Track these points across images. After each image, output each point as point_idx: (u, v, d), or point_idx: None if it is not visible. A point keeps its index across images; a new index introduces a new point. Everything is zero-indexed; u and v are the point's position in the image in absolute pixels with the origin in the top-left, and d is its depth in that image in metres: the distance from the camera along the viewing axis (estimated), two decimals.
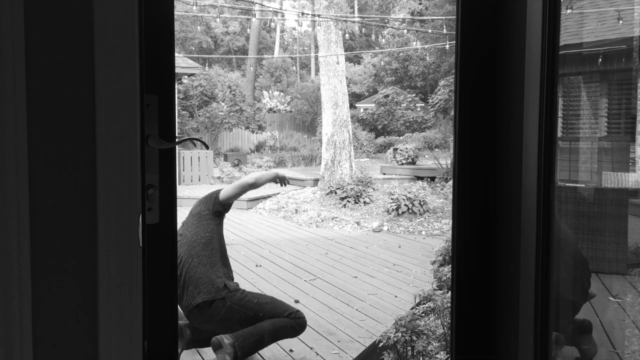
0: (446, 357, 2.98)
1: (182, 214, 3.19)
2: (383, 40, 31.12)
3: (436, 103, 17.71)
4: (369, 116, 19.68)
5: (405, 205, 8.55)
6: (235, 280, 3.19)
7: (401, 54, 23.01)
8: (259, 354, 3.32)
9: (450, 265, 3.87)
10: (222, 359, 2.90)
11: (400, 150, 12.94)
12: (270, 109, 21.87)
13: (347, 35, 22.43)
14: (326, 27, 11.11)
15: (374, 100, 20.50)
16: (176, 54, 7.53)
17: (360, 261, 6.17)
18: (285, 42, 37.57)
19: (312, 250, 6.77)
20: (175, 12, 2.16)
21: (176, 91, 10.38)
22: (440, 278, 4.32)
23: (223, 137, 17.89)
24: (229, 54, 31.82)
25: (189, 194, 9.64)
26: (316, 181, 11.52)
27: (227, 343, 2.91)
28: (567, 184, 1.96)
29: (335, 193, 9.89)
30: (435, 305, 3.50)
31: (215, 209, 3.12)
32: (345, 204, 9.48)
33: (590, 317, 1.77)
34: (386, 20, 24.15)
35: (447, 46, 17.87)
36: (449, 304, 3.04)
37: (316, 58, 25.43)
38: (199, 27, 29.23)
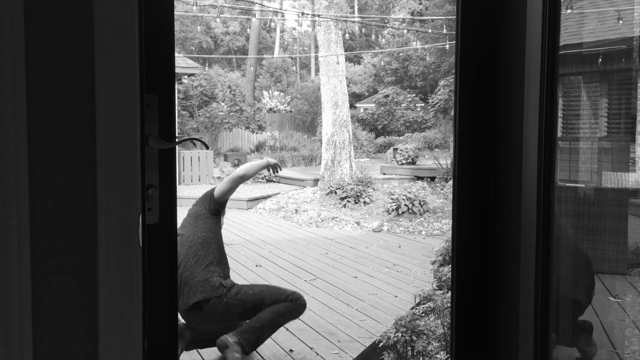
0: (446, 357, 2.98)
1: (182, 214, 3.19)
2: (383, 40, 31.13)
3: (436, 103, 17.71)
4: (369, 116, 19.68)
5: (405, 205, 8.55)
6: (234, 280, 3.19)
7: (401, 54, 23.02)
8: (259, 354, 3.32)
9: (450, 265, 3.87)
10: (233, 357, 2.90)
11: (400, 150, 12.94)
12: (270, 109, 21.88)
13: (347, 35, 22.42)
14: (326, 27, 11.11)
15: (374, 100, 20.50)
16: (176, 54, 7.53)
17: (360, 261, 6.17)
18: (285, 42, 37.57)
19: (312, 250, 6.77)
20: (175, 12, 2.16)
21: (176, 91, 10.39)
22: (440, 278, 4.32)
23: (223, 137, 17.90)
24: (229, 54, 31.82)
25: (189, 194, 9.64)
26: (316, 181, 11.52)
27: (233, 341, 2.91)
28: (567, 184, 1.96)
29: (335, 193, 9.89)
30: (435, 305, 3.50)
31: (212, 207, 3.11)
32: (345, 204, 9.48)
33: (590, 317, 1.77)
34: (386, 20, 24.15)
35: (447, 46, 17.88)
36: (449, 304, 3.04)
37: (316, 58, 25.43)
38: (199, 27, 29.24)
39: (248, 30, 30.40)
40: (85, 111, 1.03)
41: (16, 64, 0.97)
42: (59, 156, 1.02)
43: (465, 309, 1.84)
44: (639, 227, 1.68)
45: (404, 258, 6.38)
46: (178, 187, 6.53)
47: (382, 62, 23.58)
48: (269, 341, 3.29)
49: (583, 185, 2.05)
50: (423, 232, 7.94)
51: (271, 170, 3.28)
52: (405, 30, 23.13)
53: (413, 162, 12.74)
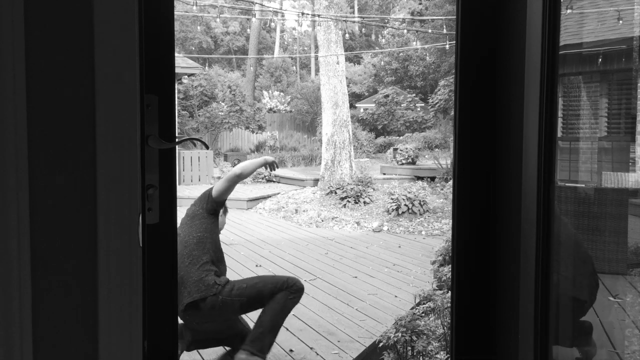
0: (446, 357, 2.98)
1: (182, 213, 3.19)
2: (383, 40, 31.13)
3: (436, 103, 17.71)
4: (369, 116, 19.68)
5: (405, 205, 8.55)
6: (232, 279, 3.18)
7: (401, 54, 23.02)
8: None
9: (450, 265, 3.87)
10: None
11: (400, 150, 12.94)
12: (270, 109, 21.88)
13: (347, 35, 22.43)
14: (326, 27, 11.11)
15: (374, 100, 20.50)
16: (176, 54, 7.52)
17: (360, 261, 6.17)
18: (285, 42, 37.58)
19: (312, 250, 6.77)
20: (175, 12, 2.16)
21: (176, 91, 10.39)
22: (440, 278, 4.32)
23: (223, 137, 17.90)
24: (229, 54, 31.82)
25: (189, 194, 9.64)
26: (316, 181, 11.52)
27: (246, 357, 2.92)
28: (567, 184, 1.96)
29: (335, 193, 9.89)
30: (435, 305, 3.50)
31: (209, 207, 3.09)
32: (345, 204, 9.48)
33: (590, 317, 1.77)
34: (386, 20, 24.15)
35: (447, 46, 17.88)
36: (449, 304, 3.04)
37: (316, 58, 25.43)
38: (199, 27, 29.24)
39: (248, 30, 30.40)
40: (85, 111, 1.03)
41: (16, 64, 0.97)
42: (59, 156, 1.02)
43: (465, 309, 1.84)
44: (639, 227, 1.68)
45: (404, 258, 6.38)
46: (178, 187, 6.52)
47: (382, 62, 23.58)
48: None
49: (583, 185, 2.05)
50: (423, 232, 7.94)
51: (269, 168, 3.24)
52: (405, 30, 23.14)
53: (413, 162, 12.74)
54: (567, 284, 1.73)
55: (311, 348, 3.54)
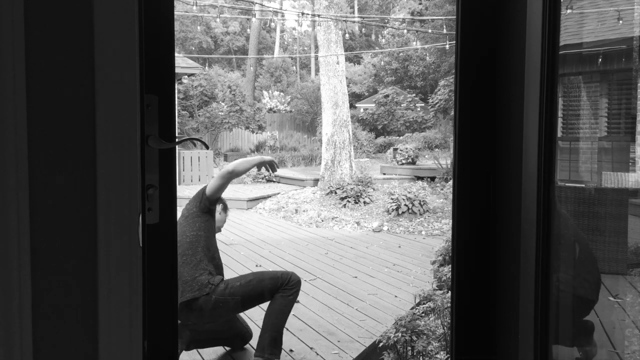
0: (446, 357, 2.98)
1: (180, 214, 3.19)
2: (383, 40, 31.13)
3: (436, 103, 17.71)
4: (369, 116, 19.68)
5: (405, 205, 8.55)
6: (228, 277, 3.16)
7: (401, 54, 23.02)
8: None
9: (450, 265, 3.87)
10: None
11: (400, 150, 12.94)
12: (270, 109, 21.88)
13: (347, 35, 22.43)
14: (326, 27, 11.11)
15: (374, 100, 20.50)
16: (176, 54, 7.52)
17: (360, 261, 6.17)
18: (285, 42, 37.58)
19: (312, 250, 6.77)
20: (175, 12, 2.16)
21: (176, 91, 10.39)
22: (440, 278, 4.32)
23: (223, 137, 17.90)
24: (229, 54, 31.82)
25: (189, 194, 9.60)
26: (316, 181, 11.52)
27: None
28: (567, 184, 1.96)
29: (335, 193, 9.89)
30: (435, 305, 3.50)
31: (203, 205, 3.04)
32: (345, 204, 9.48)
33: (591, 317, 1.77)
34: (386, 20, 24.15)
35: (447, 46, 17.88)
36: (449, 304, 3.04)
37: (316, 58, 25.43)
38: (199, 27, 29.24)
39: (248, 30, 30.40)
40: (85, 111, 1.03)
41: (16, 64, 0.97)
42: (59, 156, 1.02)
43: (465, 309, 1.84)
44: (639, 227, 1.68)
45: (404, 258, 6.38)
46: (178, 187, 6.52)
47: (382, 62, 23.58)
48: None
49: (583, 185, 2.04)
50: (423, 232, 7.94)
51: (268, 169, 3.09)
52: (405, 30, 23.14)
53: (413, 162, 12.74)
54: (569, 284, 1.73)
55: (311, 348, 3.54)
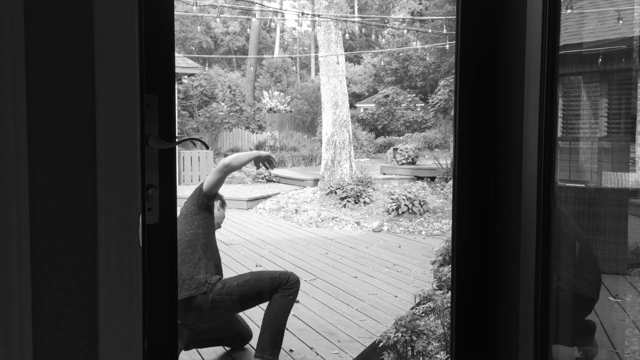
0: (446, 357, 2.98)
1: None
2: (383, 40, 31.13)
3: (436, 103, 17.71)
4: (369, 116, 19.68)
5: (405, 205, 8.55)
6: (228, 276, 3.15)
7: (401, 54, 23.02)
8: None
9: (450, 265, 3.87)
10: None
11: (400, 150, 12.94)
12: (270, 109, 21.88)
13: (347, 35, 22.43)
14: (326, 27, 11.11)
15: (374, 100, 20.50)
16: (176, 54, 7.52)
17: (360, 261, 6.17)
18: (285, 42, 37.58)
19: (312, 250, 6.77)
20: (175, 12, 2.16)
21: (176, 91, 10.39)
22: (440, 278, 4.32)
23: (223, 137, 17.90)
24: (229, 54, 31.82)
25: (189, 194, 9.63)
26: (316, 181, 11.52)
27: None
28: (567, 184, 1.96)
29: (335, 193, 9.89)
30: (435, 305, 3.50)
31: (201, 201, 3.02)
32: (345, 204, 9.48)
33: (591, 317, 1.77)
34: (386, 20, 24.15)
35: (447, 46, 17.88)
36: (449, 304, 3.04)
37: (316, 58, 25.43)
38: (199, 27, 29.24)
39: (248, 30, 30.40)
40: (85, 111, 1.03)
41: (16, 64, 0.97)
42: (59, 156, 1.02)
43: (465, 309, 1.84)
44: (639, 227, 1.68)
45: (404, 258, 6.38)
46: (178, 187, 6.52)
47: (382, 62, 23.58)
48: None
49: (583, 185, 2.04)
50: (423, 232, 7.94)
51: (266, 166, 3.04)
52: (405, 30, 23.14)
53: (413, 162, 12.74)
54: (569, 283, 1.73)
55: (311, 348, 3.54)
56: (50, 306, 1.03)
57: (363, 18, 24.93)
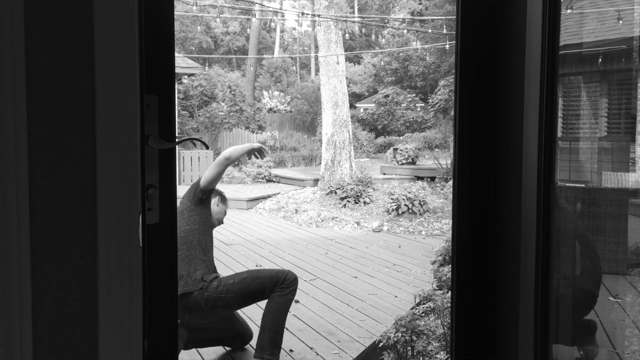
0: (446, 357, 2.98)
1: None
2: (383, 40, 31.13)
3: (436, 103, 17.71)
4: (369, 116, 19.68)
5: (405, 205, 8.55)
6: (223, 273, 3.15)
7: (401, 54, 23.01)
8: None
9: (450, 265, 3.87)
10: None
11: (400, 150, 12.94)
12: (270, 109, 21.88)
13: (347, 35, 22.43)
14: (326, 27, 11.11)
15: (374, 100, 20.50)
16: (176, 54, 7.53)
17: (360, 261, 6.17)
18: (285, 42, 37.58)
19: (312, 250, 6.77)
20: (175, 12, 2.16)
21: (176, 91, 10.39)
22: (440, 278, 4.32)
23: (223, 137, 17.89)
24: (229, 54, 31.83)
25: None
26: (316, 181, 11.52)
27: None
28: (567, 184, 1.96)
29: (335, 193, 9.89)
30: (435, 305, 3.50)
31: (197, 197, 3.02)
32: (345, 204, 9.48)
33: (591, 317, 1.76)
34: (386, 20, 24.15)
35: (447, 46, 17.87)
36: (449, 304, 3.04)
37: (316, 58, 25.44)
38: (199, 27, 29.24)
39: (248, 30, 30.40)
40: (85, 111, 1.03)
41: (16, 64, 0.97)
42: (59, 156, 1.02)
43: (465, 309, 1.84)
44: (639, 227, 1.68)
45: (404, 258, 6.38)
46: (178, 187, 6.52)
47: (382, 62, 23.58)
48: None
49: (583, 185, 2.04)
50: (423, 232, 7.94)
51: (258, 156, 3.13)
52: (405, 30, 23.14)
53: (413, 162, 12.74)
54: (569, 283, 1.73)
55: (311, 348, 3.54)
56: (50, 306, 1.03)
57: (363, 18, 24.93)
